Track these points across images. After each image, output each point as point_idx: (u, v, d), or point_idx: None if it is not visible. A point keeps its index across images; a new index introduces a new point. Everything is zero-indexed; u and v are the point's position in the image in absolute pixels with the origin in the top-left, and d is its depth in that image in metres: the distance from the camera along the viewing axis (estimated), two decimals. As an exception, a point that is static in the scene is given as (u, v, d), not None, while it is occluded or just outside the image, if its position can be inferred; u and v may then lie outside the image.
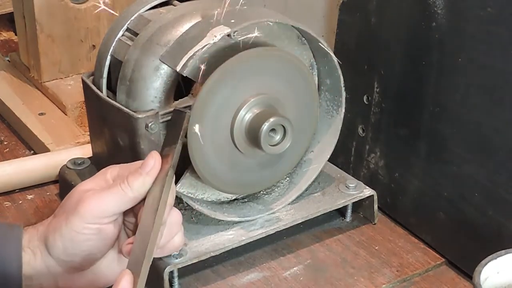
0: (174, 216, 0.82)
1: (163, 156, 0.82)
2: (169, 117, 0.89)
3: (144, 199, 0.81)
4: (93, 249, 0.81)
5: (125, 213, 0.83)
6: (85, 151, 1.07)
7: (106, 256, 0.83)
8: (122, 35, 0.95)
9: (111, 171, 0.83)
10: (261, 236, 0.95)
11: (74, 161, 1.04)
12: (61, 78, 1.25)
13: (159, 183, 0.80)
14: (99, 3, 1.03)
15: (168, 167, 0.81)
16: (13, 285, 0.79)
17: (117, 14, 0.97)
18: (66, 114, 1.20)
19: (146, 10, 0.96)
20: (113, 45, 0.95)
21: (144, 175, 0.80)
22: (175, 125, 0.84)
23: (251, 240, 0.94)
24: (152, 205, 0.79)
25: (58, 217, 0.81)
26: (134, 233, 0.82)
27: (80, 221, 0.79)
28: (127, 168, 0.83)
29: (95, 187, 0.82)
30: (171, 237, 0.83)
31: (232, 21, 0.88)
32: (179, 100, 0.90)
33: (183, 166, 0.90)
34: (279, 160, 0.95)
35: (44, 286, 0.82)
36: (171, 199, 0.81)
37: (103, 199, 0.80)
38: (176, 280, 0.90)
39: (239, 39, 0.88)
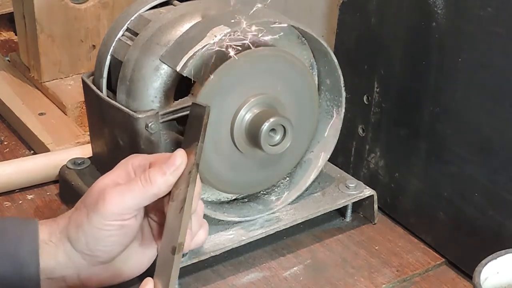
0: (198, 209, 0.82)
1: (186, 152, 0.81)
2: (169, 117, 0.89)
3: (167, 195, 0.80)
4: (116, 243, 0.80)
5: (148, 206, 0.82)
6: (85, 151, 1.07)
7: (128, 248, 0.83)
8: (122, 35, 0.95)
9: (132, 162, 0.82)
10: (261, 236, 0.95)
11: (74, 161, 1.04)
12: (61, 78, 1.25)
13: (183, 181, 0.79)
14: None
15: (191, 164, 0.79)
16: (31, 284, 0.79)
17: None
18: (66, 114, 1.20)
19: (146, 10, 0.96)
20: (113, 45, 0.95)
21: (168, 174, 0.79)
22: (195, 121, 0.81)
23: (251, 240, 0.94)
24: (177, 206, 0.78)
25: (79, 211, 0.81)
26: (159, 225, 0.82)
27: (100, 219, 0.78)
28: (150, 159, 0.82)
29: (117, 180, 0.81)
30: (198, 230, 0.82)
31: (232, 21, 0.88)
32: (179, 100, 0.90)
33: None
34: (279, 160, 0.95)
35: (66, 279, 0.82)
36: (198, 192, 0.80)
37: (122, 196, 0.79)
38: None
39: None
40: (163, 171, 0.79)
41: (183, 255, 0.88)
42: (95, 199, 0.79)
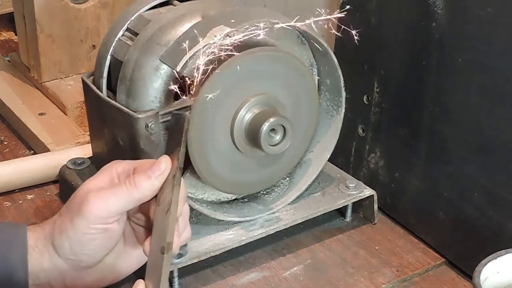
0: (184, 210, 0.83)
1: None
2: (169, 117, 0.89)
3: (152, 199, 0.81)
4: (100, 247, 0.81)
5: (130, 210, 0.83)
6: (85, 151, 1.07)
7: (112, 251, 0.83)
8: (122, 35, 0.95)
9: (116, 167, 0.83)
10: (261, 236, 0.95)
11: (74, 161, 1.04)
12: (61, 78, 1.25)
13: (168, 185, 0.81)
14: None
15: (175, 168, 0.81)
16: None
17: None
18: (66, 114, 1.20)
19: (146, 10, 0.96)
20: (113, 45, 0.95)
21: (153, 178, 0.80)
22: (176, 128, 0.85)
23: (251, 240, 0.94)
24: (164, 208, 0.79)
25: (63, 216, 0.82)
26: (144, 228, 0.83)
27: (85, 223, 0.79)
28: (133, 165, 0.83)
29: (100, 185, 0.81)
30: (184, 230, 0.83)
31: (232, 21, 0.88)
32: (179, 100, 0.90)
33: (183, 166, 0.90)
34: (279, 160, 0.95)
35: (52, 284, 0.82)
36: (182, 196, 0.81)
37: (107, 200, 0.79)
38: (176, 280, 0.90)
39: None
40: (147, 176, 0.80)
41: (179, 257, 0.89)
42: (79, 204, 0.80)
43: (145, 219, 0.83)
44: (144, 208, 0.82)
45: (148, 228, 0.82)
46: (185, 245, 0.90)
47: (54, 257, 0.81)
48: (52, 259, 0.81)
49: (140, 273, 0.84)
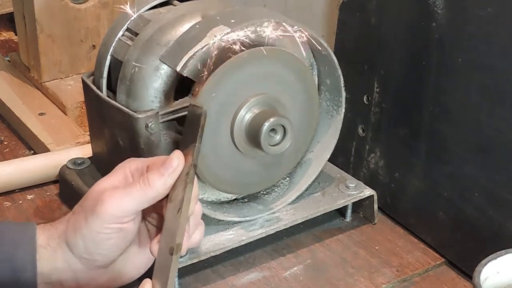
0: (196, 209, 0.82)
1: (183, 154, 0.81)
2: (169, 117, 0.89)
3: (165, 197, 0.80)
4: (115, 247, 0.80)
5: (145, 209, 0.82)
6: (85, 151, 1.07)
7: (127, 252, 0.83)
8: (122, 35, 0.95)
9: (130, 165, 0.82)
10: (261, 236, 0.95)
11: (74, 161, 1.04)
12: (61, 78, 1.25)
13: (181, 182, 0.79)
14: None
15: (188, 165, 0.79)
16: None
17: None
18: (66, 114, 1.20)
19: (146, 10, 0.96)
20: (113, 45, 0.95)
21: (166, 176, 0.79)
22: (192, 122, 0.81)
23: (251, 240, 0.94)
24: (175, 207, 0.78)
25: (76, 215, 0.81)
26: (156, 228, 0.82)
27: (100, 222, 0.78)
28: (147, 162, 0.82)
29: (115, 183, 0.81)
30: (194, 231, 0.82)
31: (232, 21, 0.88)
32: (179, 100, 0.90)
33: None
34: (279, 160, 0.95)
35: (64, 283, 0.82)
36: (195, 194, 0.80)
37: (122, 199, 0.79)
38: (176, 280, 0.90)
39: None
40: (160, 173, 0.79)
41: (181, 256, 0.88)
42: (94, 203, 0.79)
43: (157, 218, 0.82)
44: (157, 206, 0.81)
45: (160, 228, 0.81)
46: None
47: (68, 255, 0.80)
48: (66, 258, 0.81)
49: (147, 272, 0.84)
